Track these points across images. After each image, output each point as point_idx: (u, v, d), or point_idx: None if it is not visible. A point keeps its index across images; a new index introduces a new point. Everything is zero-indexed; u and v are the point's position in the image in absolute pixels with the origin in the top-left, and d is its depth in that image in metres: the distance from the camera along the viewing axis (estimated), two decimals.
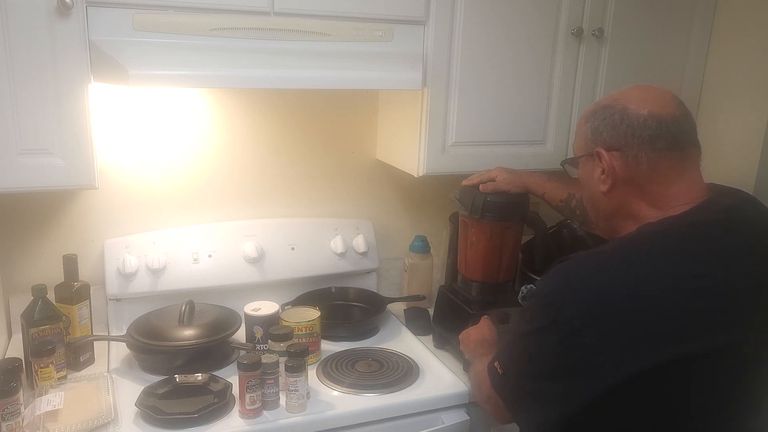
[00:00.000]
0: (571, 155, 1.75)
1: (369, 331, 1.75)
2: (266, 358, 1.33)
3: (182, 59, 1.33)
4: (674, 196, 1.07)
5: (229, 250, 1.74)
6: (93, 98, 1.31)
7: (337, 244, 1.83)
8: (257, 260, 1.74)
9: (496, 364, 1.14)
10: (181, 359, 1.47)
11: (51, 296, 1.47)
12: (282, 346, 1.38)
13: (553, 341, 1.00)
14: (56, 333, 1.43)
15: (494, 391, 1.14)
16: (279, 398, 1.35)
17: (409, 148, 1.68)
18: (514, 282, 1.69)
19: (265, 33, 1.40)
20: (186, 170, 1.75)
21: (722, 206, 1.08)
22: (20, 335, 1.47)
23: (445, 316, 1.67)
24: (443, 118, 1.62)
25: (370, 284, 1.95)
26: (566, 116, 1.74)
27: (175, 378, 1.41)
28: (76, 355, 1.50)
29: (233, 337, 1.55)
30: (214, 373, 1.46)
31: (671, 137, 1.05)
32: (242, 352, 1.46)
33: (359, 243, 1.86)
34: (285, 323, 1.52)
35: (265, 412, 1.33)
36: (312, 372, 1.50)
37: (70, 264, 1.51)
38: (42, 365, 1.32)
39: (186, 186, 1.76)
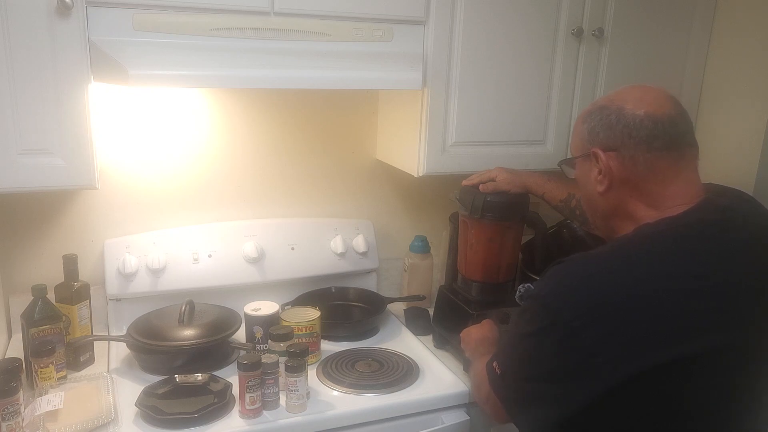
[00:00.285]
0: (571, 155, 1.77)
1: (369, 331, 1.75)
2: (266, 358, 1.33)
3: (182, 59, 1.33)
4: (671, 196, 1.07)
5: (229, 250, 1.74)
6: (93, 98, 1.32)
7: (337, 244, 1.83)
8: (257, 260, 1.74)
9: (494, 364, 1.14)
10: (181, 359, 1.47)
11: (51, 296, 1.47)
12: (282, 346, 1.38)
13: (551, 342, 1.00)
14: (56, 333, 1.43)
15: (492, 392, 1.14)
16: (279, 398, 1.35)
17: (409, 148, 1.68)
18: (514, 282, 1.69)
19: (265, 33, 1.40)
20: (186, 170, 1.75)
21: (719, 206, 1.08)
22: (20, 335, 1.47)
23: (445, 316, 1.67)
24: (443, 118, 1.62)
25: (370, 284, 1.95)
26: (566, 116, 1.74)
27: (175, 378, 1.41)
28: (76, 355, 1.50)
29: (233, 337, 1.55)
30: (214, 373, 1.46)
31: (668, 137, 1.05)
32: (242, 352, 1.46)
33: (359, 243, 1.86)
34: (285, 323, 1.52)
35: (265, 412, 1.33)
36: (312, 372, 1.50)
37: (70, 264, 1.51)
38: (42, 365, 1.32)
39: (186, 186, 1.76)
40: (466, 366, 1.52)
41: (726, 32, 1.83)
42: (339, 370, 1.52)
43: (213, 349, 1.51)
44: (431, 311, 1.76)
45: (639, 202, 1.09)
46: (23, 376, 1.33)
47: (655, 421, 0.98)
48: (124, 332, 1.55)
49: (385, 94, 1.85)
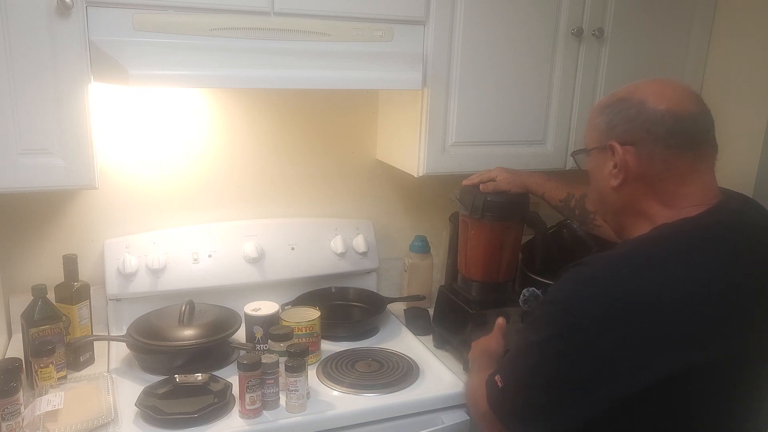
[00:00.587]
0: (571, 155, 1.77)
1: (369, 331, 1.75)
2: (266, 358, 1.33)
3: (182, 59, 1.33)
4: (687, 195, 1.03)
5: (229, 250, 1.74)
6: (93, 98, 1.32)
7: (337, 244, 1.83)
8: (257, 260, 1.74)
9: (496, 377, 1.08)
10: (181, 359, 1.47)
11: (51, 296, 1.47)
12: (282, 346, 1.38)
13: (568, 349, 0.96)
14: (56, 333, 1.43)
15: (489, 408, 1.09)
16: (279, 398, 1.35)
17: (409, 148, 1.68)
18: (514, 282, 1.69)
19: (265, 33, 1.40)
20: (186, 170, 1.75)
21: (733, 209, 1.06)
22: (20, 335, 1.47)
23: (445, 316, 1.67)
24: (443, 118, 1.62)
25: (370, 284, 1.95)
26: (566, 116, 1.74)
27: (175, 378, 1.41)
28: (76, 355, 1.50)
29: (233, 337, 1.55)
30: (214, 373, 1.46)
31: (687, 135, 1.02)
32: (242, 352, 1.46)
33: (359, 243, 1.86)
34: (285, 323, 1.52)
35: (265, 412, 1.33)
36: (312, 372, 1.50)
37: (70, 264, 1.51)
38: (42, 365, 1.32)
39: (186, 186, 1.76)
40: (466, 366, 1.52)
41: (726, 32, 1.83)
42: (339, 370, 1.52)
43: (213, 349, 1.50)
44: (431, 311, 1.75)
45: (653, 200, 1.05)
46: (23, 376, 1.33)
47: (665, 428, 0.96)
48: (124, 332, 1.55)
49: (385, 94, 1.85)
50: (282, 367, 1.34)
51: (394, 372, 1.52)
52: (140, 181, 1.71)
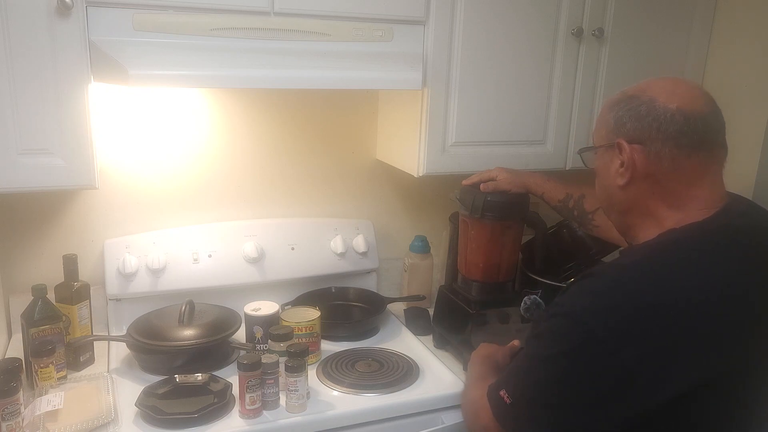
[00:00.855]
0: (571, 155, 1.78)
1: (369, 331, 1.75)
2: (266, 358, 1.33)
3: (182, 59, 1.33)
4: (694, 197, 1.02)
5: (229, 250, 1.74)
6: (93, 98, 1.31)
7: (337, 244, 1.83)
8: (257, 260, 1.74)
9: (502, 392, 1.04)
10: (181, 359, 1.47)
11: (51, 296, 1.47)
12: (282, 346, 1.38)
13: (584, 364, 0.93)
14: (56, 333, 1.43)
15: (497, 423, 1.05)
16: (279, 398, 1.35)
17: (409, 148, 1.68)
18: (514, 282, 1.69)
19: (265, 33, 1.40)
20: (186, 170, 1.75)
21: (740, 211, 1.04)
22: (20, 335, 1.47)
23: (445, 316, 1.67)
24: (443, 118, 1.62)
25: (370, 284, 1.95)
26: (566, 116, 1.74)
27: (175, 378, 1.41)
28: (76, 355, 1.50)
29: (233, 337, 1.55)
30: (214, 373, 1.46)
31: (697, 136, 1.00)
32: (242, 352, 1.46)
33: (359, 243, 1.86)
34: (285, 323, 1.52)
35: (265, 412, 1.33)
36: (312, 372, 1.50)
37: (70, 264, 1.51)
38: (42, 365, 1.32)
39: (186, 186, 1.76)
40: (467, 366, 1.52)
41: (726, 32, 1.83)
42: (339, 370, 1.52)
43: (213, 349, 1.50)
44: (431, 311, 1.75)
45: (660, 200, 1.03)
46: (23, 376, 1.33)
47: None
48: (124, 332, 1.55)
49: (385, 94, 1.85)
50: (282, 367, 1.34)
51: (394, 372, 1.52)
52: (140, 181, 1.71)
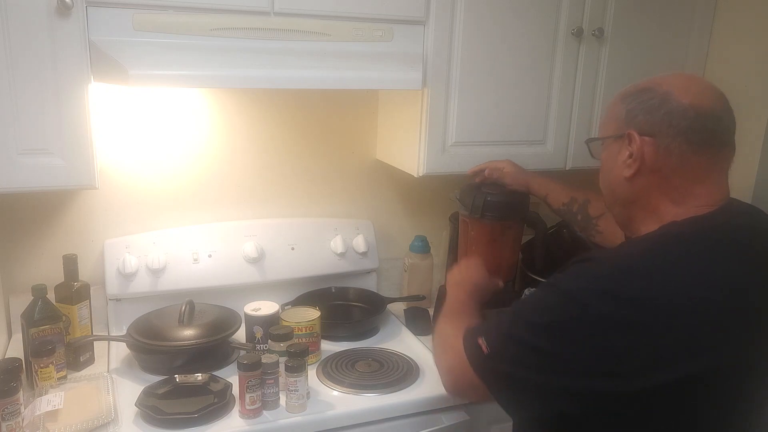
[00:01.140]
0: (571, 155, 1.78)
1: (369, 331, 1.75)
2: (266, 358, 1.33)
3: (182, 59, 1.33)
4: (698, 195, 1.02)
5: (229, 250, 1.74)
6: (93, 98, 1.32)
7: (337, 244, 1.83)
8: (257, 260, 1.74)
9: (480, 340, 1.05)
10: (181, 359, 1.47)
11: (51, 296, 1.47)
12: (282, 346, 1.38)
13: (569, 338, 0.93)
14: (56, 333, 1.43)
15: (471, 369, 1.06)
16: (279, 398, 1.35)
17: (409, 148, 1.68)
18: (514, 282, 1.69)
19: (265, 33, 1.40)
20: (186, 170, 1.75)
21: (741, 211, 1.04)
22: (20, 335, 1.47)
23: None
24: (443, 118, 1.62)
25: (370, 284, 1.95)
26: (566, 116, 1.74)
27: (175, 378, 1.41)
28: (76, 355, 1.50)
29: (233, 337, 1.55)
30: (214, 373, 1.46)
31: (708, 133, 1.00)
32: (242, 352, 1.46)
33: (359, 243, 1.86)
34: (285, 323, 1.52)
35: (265, 412, 1.33)
36: (312, 372, 1.50)
37: (70, 264, 1.51)
38: (42, 365, 1.32)
39: (186, 186, 1.76)
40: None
41: (726, 32, 1.83)
42: (339, 370, 1.52)
43: (213, 349, 1.50)
44: (431, 311, 1.76)
45: (664, 195, 1.03)
46: (23, 376, 1.32)
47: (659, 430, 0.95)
48: (124, 332, 1.55)
49: (385, 94, 1.85)
50: (282, 367, 1.34)
51: (394, 372, 1.52)
52: (140, 181, 1.71)
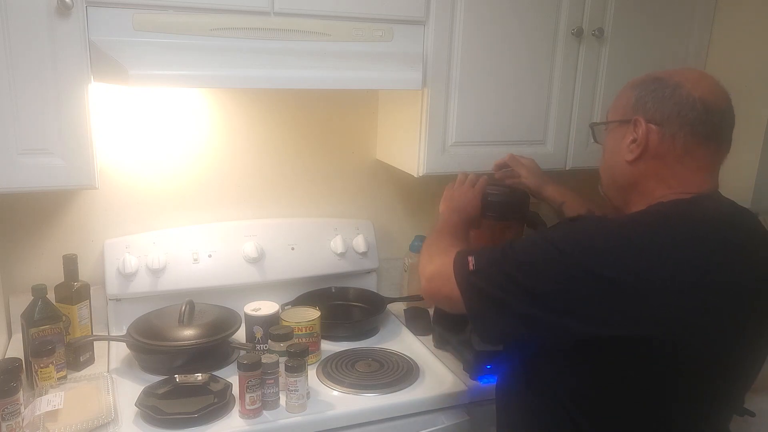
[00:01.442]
0: (571, 155, 1.78)
1: (369, 331, 1.75)
2: (266, 358, 1.33)
3: (182, 59, 1.33)
4: (692, 183, 1.06)
5: (229, 250, 1.74)
6: (93, 98, 1.32)
7: (337, 244, 1.83)
8: (257, 260, 1.74)
9: (470, 258, 1.11)
10: (181, 359, 1.47)
11: (51, 296, 1.47)
12: (282, 346, 1.38)
13: (545, 277, 1.00)
14: (56, 333, 1.43)
15: (454, 282, 1.12)
16: (279, 398, 1.35)
17: (409, 148, 1.68)
18: None
19: (265, 33, 1.40)
20: (186, 170, 1.75)
21: (727, 200, 1.09)
22: (20, 335, 1.47)
23: (445, 316, 1.67)
24: (443, 118, 1.62)
25: (370, 284, 1.95)
26: (566, 116, 1.74)
27: (175, 378, 1.41)
28: (76, 355, 1.50)
29: (233, 337, 1.55)
30: (214, 373, 1.46)
31: (712, 127, 1.04)
32: (242, 352, 1.46)
33: (359, 243, 1.86)
34: (285, 323, 1.52)
35: (265, 412, 1.33)
36: (312, 372, 1.50)
37: (70, 264, 1.51)
38: (42, 365, 1.32)
39: (186, 186, 1.76)
40: (467, 366, 1.52)
41: (726, 33, 1.83)
42: (339, 370, 1.52)
43: (213, 349, 1.51)
44: (431, 311, 1.75)
45: (662, 182, 1.07)
46: (23, 376, 1.33)
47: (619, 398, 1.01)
48: (124, 332, 1.55)
49: (385, 94, 1.85)
50: (282, 367, 1.34)
51: (394, 372, 1.52)
52: (140, 181, 1.71)
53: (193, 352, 1.48)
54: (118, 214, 1.70)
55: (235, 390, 1.35)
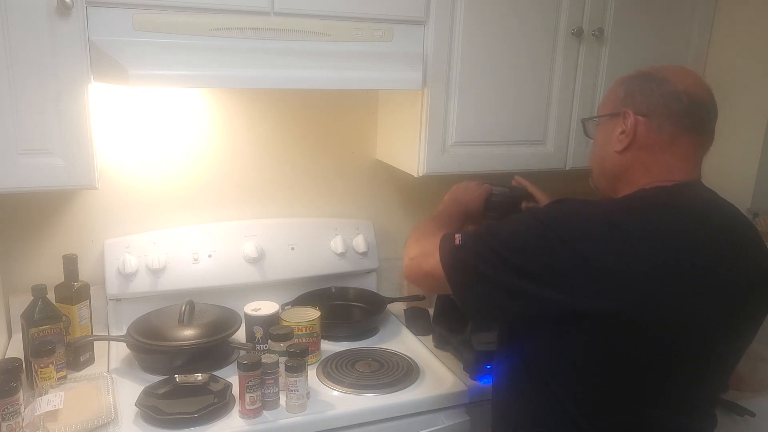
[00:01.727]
0: (571, 155, 1.78)
1: (369, 331, 1.75)
2: (266, 358, 1.33)
3: (182, 59, 1.33)
4: (677, 172, 1.10)
5: (229, 250, 1.74)
6: (93, 98, 1.32)
7: (337, 244, 1.83)
8: (257, 260, 1.74)
9: (457, 235, 1.14)
10: (181, 359, 1.47)
11: (51, 296, 1.47)
12: (282, 346, 1.38)
13: (528, 249, 1.03)
14: (56, 333, 1.43)
15: (438, 259, 1.14)
16: (279, 398, 1.35)
17: (409, 148, 1.68)
18: None
19: (265, 33, 1.40)
20: (186, 170, 1.75)
21: (709, 189, 1.13)
22: (20, 335, 1.47)
23: (445, 316, 1.67)
24: (443, 118, 1.62)
25: (370, 284, 1.95)
26: (566, 116, 1.74)
27: (175, 378, 1.41)
28: (76, 355, 1.50)
29: (233, 337, 1.55)
30: (214, 373, 1.46)
31: (697, 118, 1.09)
32: (242, 352, 1.46)
33: (359, 243, 1.86)
34: (285, 323, 1.52)
35: (265, 412, 1.33)
36: (312, 372, 1.50)
37: (70, 264, 1.51)
38: (42, 365, 1.32)
39: (186, 186, 1.76)
40: (467, 366, 1.52)
41: (726, 32, 1.83)
42: (339, 370, 1.52)
43: (213, 349, 1.51)
44: (431, 311, 1.75)
45: (647, 171, 1.11)
46: (23, 376, 1.33)
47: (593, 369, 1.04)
48: (124, 332, 1.55)
49: (385, 94, 1.85)
50: (282, 367, 1.34)
51: (394, 372, 1.52)
52: (140, 181, 1.71)
53: (193, 352, 1.48)
54: (118, 214, 1.71)
55: (235, 390, 1.35)
